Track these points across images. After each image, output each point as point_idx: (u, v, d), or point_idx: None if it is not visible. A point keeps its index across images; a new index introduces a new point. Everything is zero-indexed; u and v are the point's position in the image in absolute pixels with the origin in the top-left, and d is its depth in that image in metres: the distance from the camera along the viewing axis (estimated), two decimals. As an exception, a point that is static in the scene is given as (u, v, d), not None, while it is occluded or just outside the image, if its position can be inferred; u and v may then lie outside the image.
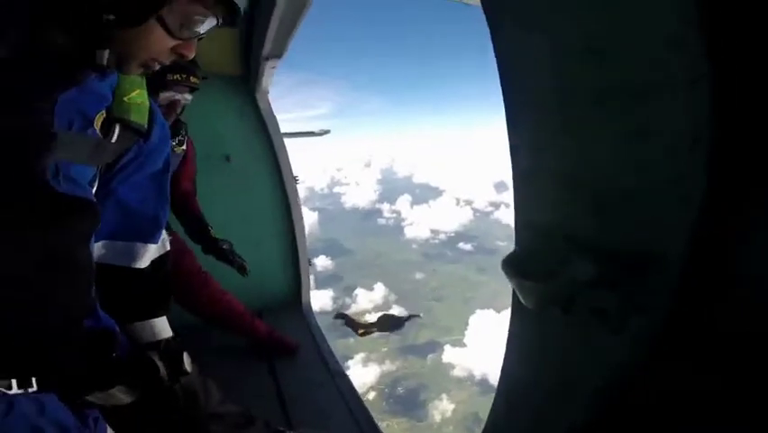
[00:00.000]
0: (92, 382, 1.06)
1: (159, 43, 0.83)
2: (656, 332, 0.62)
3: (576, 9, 0.66)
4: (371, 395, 45.77)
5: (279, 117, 3.41)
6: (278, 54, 2.73)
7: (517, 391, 0.95)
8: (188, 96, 2.19)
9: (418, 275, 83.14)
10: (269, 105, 3.32)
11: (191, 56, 0.88)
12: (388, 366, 53.09)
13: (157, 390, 1.17)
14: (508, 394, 0.96)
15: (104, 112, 0.96)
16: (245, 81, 3.24)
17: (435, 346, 56.60)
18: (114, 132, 0.97)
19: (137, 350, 1.20)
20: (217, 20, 0.86)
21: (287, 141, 3.48)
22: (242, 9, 0.86)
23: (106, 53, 0.81)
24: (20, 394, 0.86)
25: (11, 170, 0.78)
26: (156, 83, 2.00)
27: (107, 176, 1.06)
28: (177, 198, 2.56)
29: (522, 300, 0.73)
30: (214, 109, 3.14)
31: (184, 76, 2.13)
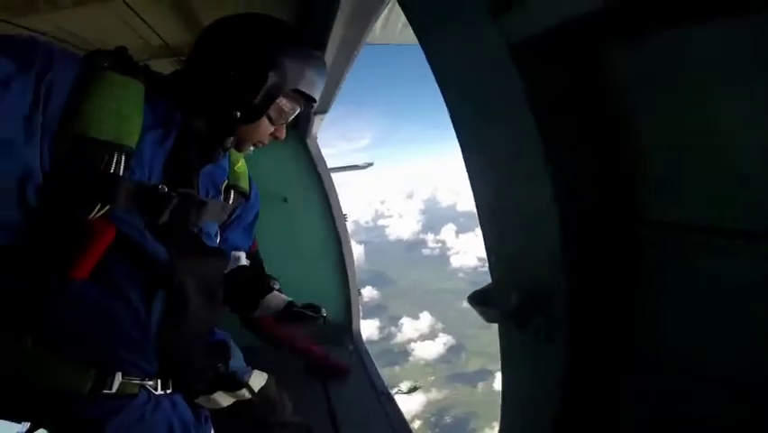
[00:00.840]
0: (203, 386, 1.31)
1: (265, 130, 1.11)
2: (574, 345, 0.76)
3: None
4: (417, 424, 44.22)
5: (324, 152, 3.68)
6: (324, 110, 3.10)
7: (510, 407, 1.09)
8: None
9: (465, 304, 79.99)
10: (319, 149, 3.65)
11: (282, 137, 1.16)
12: (435, 395, 51.71)
13: (252, 393, 1.43)
14: (513, 405, 1.09)
15: (226, 180, 1.23)
16: (296, 129, 3.55)
17: (486, 374, 54.70)
18: (230, 196, 1.24)
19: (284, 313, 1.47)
20: (301, 107, 1.13)
21: (333, 175, 3.78)
22: (317, 98, 1.12)
23: (231, 139, 1.09)
24: (161, 394, 1.10)
25: (180, 227, 1.04)
26: None
27: (223, 227, 1.31)
28: None
29: (484, 319, 0.93)
30: (271, 155, 3.47)
31: None
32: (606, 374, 0.77)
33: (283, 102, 1.06)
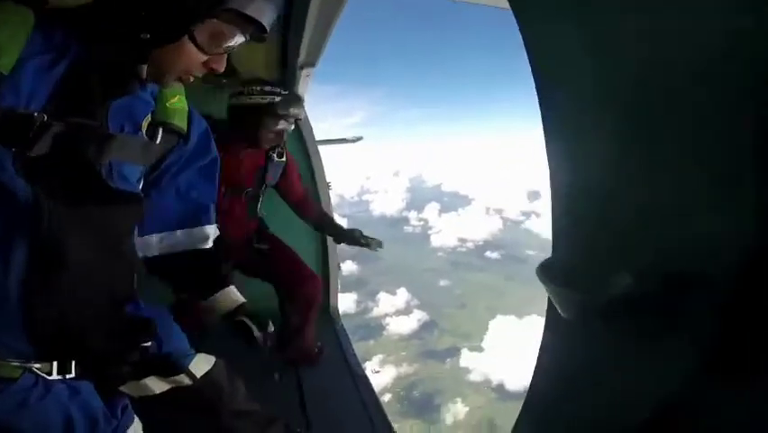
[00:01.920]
0: (127, 370, 1.13)
1: (191, 58, 0.93)
2: (701, 357, 0.58)
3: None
4: (387, 397, 45.56)
5: (315, 126, 3.50)
6: (311, 63, 2.83)
7: (547, 406, 0.92)
8: (291, 127, 2.50)
9: (443, 282, 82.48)
10: (305, 111, 3.40)
11: (221, 69, 0.97)
12: (406, 369, 52.91)
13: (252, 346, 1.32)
14: (536, 409, 0.94)
15: (149, 117, 1.06)
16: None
17: (454, 352, 56.21)
18: (158, 134, 1.08)
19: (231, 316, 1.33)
20: (245, 36, 0.95)
21: (320, 148, 3.55)
22: (268, 26, 0.94)
23: (145, 68, 0.92)
24: (58, 380, 0.93)
25: (75, 162, 0.89)
26: (268, 114, 2.31)
27: (154, 174, 1.16)
28: (294, 207, 2.86)
29: (559, 310, 0.71)
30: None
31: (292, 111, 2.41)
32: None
33: (217, 24, 0.89)
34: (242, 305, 1.38)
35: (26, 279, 0.85)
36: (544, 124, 0.78)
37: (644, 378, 0.68)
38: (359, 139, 4.36)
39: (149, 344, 1.14)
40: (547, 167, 0.79)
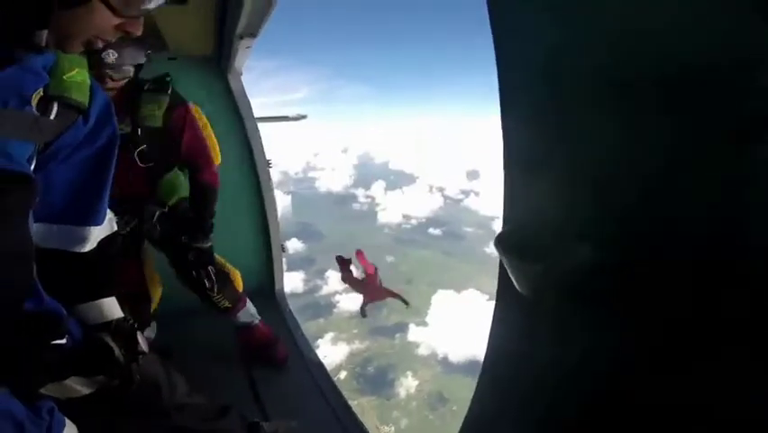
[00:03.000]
0: (44, 372, 1.00)
1: (102, 22, 0.79)
2: (661, 325, 0.58)
3: None
4: (343, 375, 46.30)
5: (255, 101, 3.28)
6: (253, 33, 2.58)
7: (502, 380, 0.92)
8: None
9: (389, 258, 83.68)
10: (242, 86, 3.18)
11: (138, 33, 0.84)
12: (358, 345, 53.92)
13: (114, 374, 1.11)
14: (493, 382, 0.93)
15: (41, 90, 0.92)
16: (217, 61, 3.09)
17: (403, 327, 57.83)
18: (51, 110, 0.94)
19: (88, 335, 1.12)
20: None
21: (261, 126, 3.35)
22: None
23: (45, 33, 0.77)
24: None
25: None
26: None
27: (47, 154, 1.00)
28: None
29: (516, 283, 0.69)
30: (183, 89, 2.98)
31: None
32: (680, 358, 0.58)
33: None
34: (110, 323, 1.18)
35: None
36: (501, 99, 0.76)
37: (597, 353, 0.67)
38: (302, 117, 4.10)
39: (63, 341, 1.01)
40: (501, 138, 0.77)
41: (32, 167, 0.95)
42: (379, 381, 47.49)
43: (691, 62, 0.52)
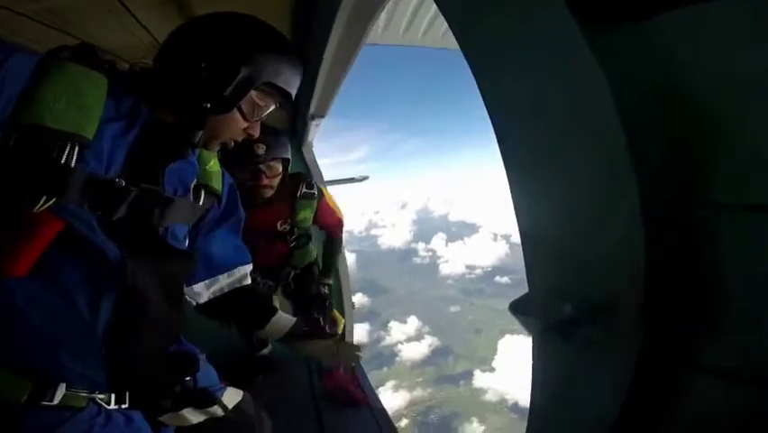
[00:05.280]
0: (169, 402, 1.17)
1: (237, 126, 1.01)
2: (638, 354, 0.68)
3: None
4: (404, 422, 44.18)
5: (319, 162, 3.55)
6: (321, 114, 2.92)
7: (539, 419, 0.98)
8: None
9: (453, 309, 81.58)
10: (314, 156, 3.49)
11: (257, 135, 1.06)
12: (420, 393, 51.99)
13: (222, 409, 1.29)
14: (535, 422, 1.02)
15: (195, 180, 1.12)
16: (292, 135, 3.42)
17: (468, 375, 55.41)
18: (200, 196, 1.13)
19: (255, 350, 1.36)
20: (276, 104, 1.04)
21: (330, 188, 3.62)
22: (294, 94, 1.04)
23: (200, 133, 0.98)
24: (115, 409, 0.98)
25: (143, 225, 0.95)
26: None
27: (193, 232, 1.20)
28: None
29: (527, 331, 0.84)
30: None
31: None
32: (669, 381, 0.70)
33: (256, 96, 0.98)
34: (295, 323, 1.40)
35: (111, 322, 0.91)
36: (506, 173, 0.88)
37: (600, 383, 0.76)
38: (365, 178, 4.31)
39: (189, 378, 1.20)
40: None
41: (187, 243, 1.15)
42: (442, 429, 44.98)
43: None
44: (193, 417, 1.25)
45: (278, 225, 2.40)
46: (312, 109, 2.84)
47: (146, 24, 1.91)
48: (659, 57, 0.64)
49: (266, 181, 2.18)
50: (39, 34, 1.75)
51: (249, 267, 1.39)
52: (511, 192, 0.87)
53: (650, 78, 0.65)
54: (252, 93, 0.97)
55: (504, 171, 0.85)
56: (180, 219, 1.08)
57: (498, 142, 0.86)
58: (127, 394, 1.01)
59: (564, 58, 0.69)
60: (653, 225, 0.63)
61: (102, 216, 0.88)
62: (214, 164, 1.19)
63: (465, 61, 0.88)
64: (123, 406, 1.00)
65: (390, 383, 53.49)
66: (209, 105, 0.94)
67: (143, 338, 0.98)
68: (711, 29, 0.59)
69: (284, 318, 1.40)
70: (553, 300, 0.78)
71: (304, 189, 2.39)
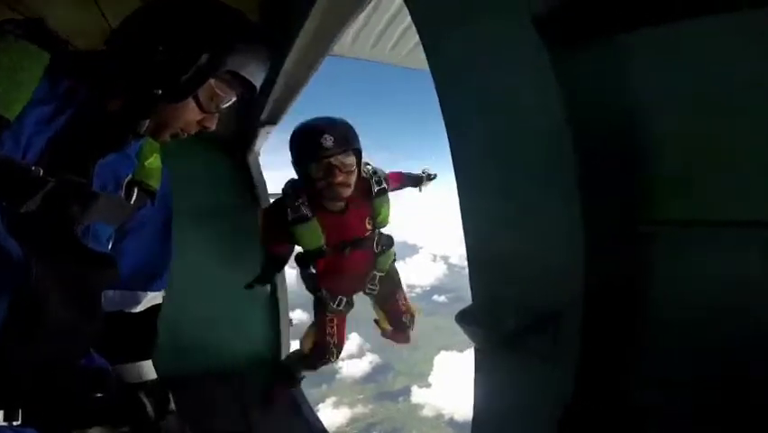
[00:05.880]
0: (75, 419, 1.01)
1: (190, 116, 0.93)
2: (582, 361, 0.71)
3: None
4: None
5: (269, 174, 3.38)
6: (274, 121, 2.77)
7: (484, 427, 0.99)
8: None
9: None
10: (260, 167, 3.33)
11: (212, 128, 0.97)
12: (361, 410, 51.36)
13: (141, 429, 1.14)
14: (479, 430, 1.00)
15: (130, 176, 1.01)
16: (238, 142, 3.25)
17: (407, 391, 55.71)
18: (133, 194, 1.02)
19: (123, 390, 1.17)
20: (237, 96, 0.96)
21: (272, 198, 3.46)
22: (258, 88, 0.96)
23: (147, 122, 0.89)
24: (4, 426, 0.85)
25: (56, 221, 0.84)
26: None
27: (120, 232, 1.09)
28: None
29: (474, 344, 0.86)
30: (203, 168, 3.12)
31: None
32: (611, 389, 0.73)
33: (216, 85, 0.90)
34: (145, 383, 1.22)
35: (4, 329, 0.78)
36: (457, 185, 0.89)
37: (543, 392, 0.78)
38: None
39: (99, 394, 1.04)
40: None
41: (110, 246, 1.04)
42: None
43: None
44: None
45: (367, 228, 2.17)
46: (264, 115, 2.68)
47: (104, 10, 1.78)
48: (614, 77, 0.66)
49: (341, 178, 1.91)
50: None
51: (151, 295, 1.23)
52: (460, 205, 0.88)
53: (603, 98, 0.66)
54: (212, 81, 0.88)
55: (455, 183, 0.86)
56: (105, 219, 0.97)
57: (452, 152, 0.88)
58: (20, 411, 0.87)
59: (526, 74, 0.70)
60: (595, 241, 0.65)
61: (8, 206, 0.76)
62: (155, 160, 1.08)
63: (425, 82, 0.91)
64: (15, 423, 0.86)
65: (331, 400, 52.73)
66: (161, 92, 0.84)
67: (41, 349, 0.85)
68: (665, 51, 0.60)
69: (147, 370, 1.23)
70: (498, 311, 0.79)
71: (376, 187, 2.14)
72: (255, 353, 3.29)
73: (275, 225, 2.16)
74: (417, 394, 54.35)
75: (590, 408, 0.72)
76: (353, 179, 1.98)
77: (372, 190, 2.13)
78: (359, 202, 2.12)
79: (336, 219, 2.10)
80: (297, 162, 1.98)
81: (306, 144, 1.92)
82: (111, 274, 1.00)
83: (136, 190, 1.02)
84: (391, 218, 2.28)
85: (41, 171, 0.79)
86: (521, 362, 0.80)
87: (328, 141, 1.85)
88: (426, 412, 50.39)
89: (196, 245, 2.92)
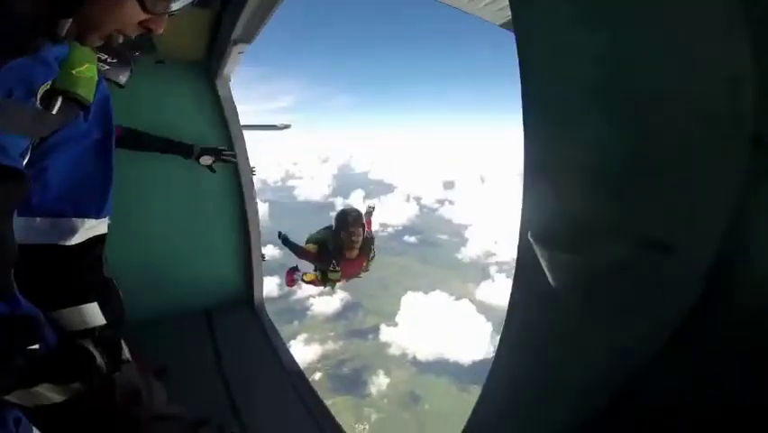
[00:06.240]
0: (12, 378, 0.90)
1: (129, 16, 0.77)
2: (670, 329, 0.62)
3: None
4: (317, 376, 45.95)
5: (239, 108, 3.15)
6: (247, 39, 2.51)
7: (514, 376, 0.92)
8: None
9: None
10: (230, 92, 3.07)
11: (160, 31, 0.82)
12: (332, 346, 53.54)
13: (93, 382, 1.00)
14: (502, 379, 0.94)
15: (48, 83, 0.87)
16: (207, 65, 2.98)
17: (376, 329, 58.01)
18: (55, 104, 0.88)
19: (66, 340, 1.01)
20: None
21: (246, 133, 3.25)
22: None
23: (68, 23, 0.74)
24: None
25: None
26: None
27: (43, 148, 0.94)
28: None
29: (550, 277, 0.73)
30: (170, 94, 2.86)
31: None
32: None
33: None
34: (93, 330, 1.07)
35: None
36: (524, 111, 0.79)
37: (616, 350, 0.70)
38: (287, 127, 4.08)
39: (36, 347, 0.91)
40: (523, 145, 0.80)
41: (25, 161, 0.89)
42: (353, 380, 47.17)
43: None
44: (53, 394, 0.96)
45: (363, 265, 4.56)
46: (236, 33, 2.41)
47: None
48: None
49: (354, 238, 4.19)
50: None
51: (89, 222, 1.06)
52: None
53: None
54: None
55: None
56: (13, 128, 0.83)
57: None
58: None
59: None
60: None
61: None
62: (87, 69, 0.92)
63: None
64: None
65: (302, 337, 54.74)
66: None
67: None
68: None
69: (92, 314, 1.08)
70: (598, 238, 0.67)
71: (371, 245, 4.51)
72: (227, 288, 3.21)
73: (318, 261, 4.42)
74: (385, 333, 56.68)
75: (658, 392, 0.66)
76: (360, 240, 4.22)
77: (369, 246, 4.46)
78: (361, 253, 4.37)
79: (351, 262, 4.39)
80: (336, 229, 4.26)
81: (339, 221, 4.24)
82: (18, 190, 0.86)
83: (59, 100, 0.89)
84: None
85: None
86: (595, 312, 0.71)
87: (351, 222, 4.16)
88: (393, 351, 52.86)
89: (165, 177, 2.73)
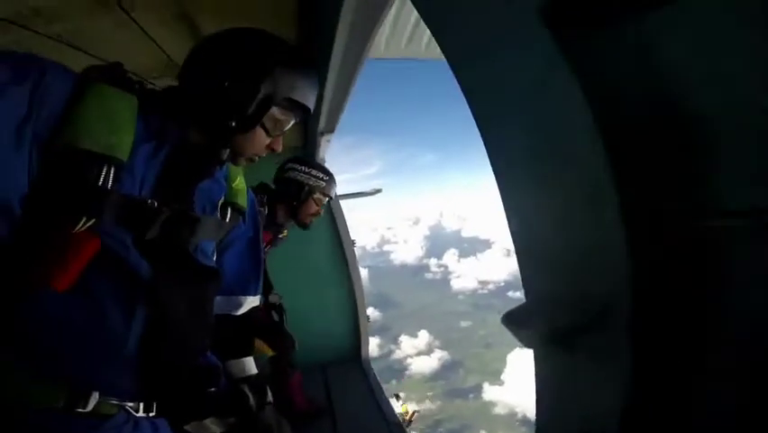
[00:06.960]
0: (194, 412, 1.19)
1: (260, 142, 1.03)
2: (635, 369, 0.66)
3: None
4: None
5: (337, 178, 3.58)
6: (330, 129, 2.98)
7: (547, 428, 0.97)
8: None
9: (464, 323, 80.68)
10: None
11: (279, 149, 1.08)
12: (429, 405, 51.12)
13: (245, 418, 1.30)
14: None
15: (222, 198, 1.15)
16: (304, 150, 3.48)
17: (477, 388, 54.69)
18: (227, 214, 1.16)
19: (230, 385, 1.34)
20: (297, 118, 1.07)
21: (341, 202, 3.63)
22: (312, 109, 1.07)
23: (227, 151, 1.02)
24: (143, 417, 1.00)
25: (173, 244, 0.98)
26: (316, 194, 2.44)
27: (220, 248, 1.25)
28: None
29: (519, 342, 0.83)
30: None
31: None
32: (675, 387, 0.67)
33: (277, 112, 1.01)
34: (249, 378, 1.39)
35: (143, 335, 0.94)
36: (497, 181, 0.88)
37: (599, 390, 0.75)
38: (378, 191, 4.37)
39: (213, 389, 1.22)
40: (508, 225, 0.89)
41: (214, 258, 1.19)
42: None
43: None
44: (215, 427, 1.26)
45: None
46: (321, 125, 2.89)
47: (158, 42, 1.96)
48: (634, 62, 0.60)
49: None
50: (51, 53, 1.79)
51: (249, 299, 1.40)
52: (503, 204, 0.87)
53: (629, 83, 0.62)
54: (273, 109, 0.99)
55: (496, 184, 0.85)
56: (208, 237, 1.11)
57: (489, 155, 0.87)
58: (154, 403, 1.03)
59: (541, 70, 0.67)
60: (636, 234, 0.61)
61: (136, 235, 0.90)
62: (240, 182, 1.22)
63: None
64: (151, 414, 1.02)
65: (401, 395, 53.04)
66: (234, 124, 0.97)
67: (173, 352, 1.01)
68: (685, 30, 0.53)
69: (249, 365, 1.40)
70: (551, 310, 0.78)
71: None
72: (340, 346, 3.54)
73: None
74: (489, 392, 53.18)
75: (650, 404, 0.69)
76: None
77: None
78: None
79: None
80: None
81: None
82: (218, 283, 1.15)
83: (229, 210, 1.17)
84: None
85: (156, 203, 0.93)
86: (575, 359, 0.78)
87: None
88: (499, 410, 49.15)
89: (283, 252, 3.18)
